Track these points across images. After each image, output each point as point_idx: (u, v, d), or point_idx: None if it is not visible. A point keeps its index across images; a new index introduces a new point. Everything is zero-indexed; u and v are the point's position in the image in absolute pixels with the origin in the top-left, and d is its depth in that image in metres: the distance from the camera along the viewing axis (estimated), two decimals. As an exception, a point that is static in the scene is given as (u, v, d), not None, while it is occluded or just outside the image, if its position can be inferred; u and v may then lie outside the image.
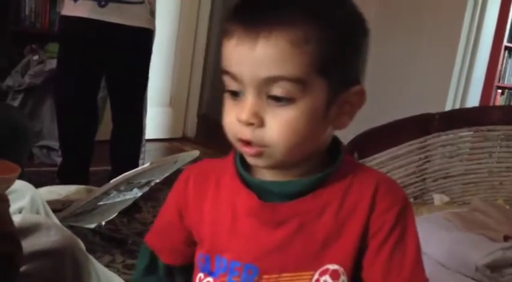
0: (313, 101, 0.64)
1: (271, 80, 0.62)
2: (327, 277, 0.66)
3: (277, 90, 0.63)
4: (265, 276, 0.68)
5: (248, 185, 0.70)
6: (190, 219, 0.75)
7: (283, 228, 0.68)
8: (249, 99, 0.64)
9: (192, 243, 0.76)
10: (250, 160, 0.68)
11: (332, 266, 0.67)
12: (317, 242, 0.67)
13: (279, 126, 0.63)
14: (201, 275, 0.73)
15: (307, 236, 0.67)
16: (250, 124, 0.64)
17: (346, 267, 0.67)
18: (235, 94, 0.66)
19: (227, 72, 0.65)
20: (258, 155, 0.65)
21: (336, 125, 0.68)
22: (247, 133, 0.64)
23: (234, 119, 0.66)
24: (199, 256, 0.73)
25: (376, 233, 0.67)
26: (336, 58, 0.64)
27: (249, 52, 0.62)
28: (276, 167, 0.68)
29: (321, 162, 0.69)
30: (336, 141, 0.71)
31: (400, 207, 0.68)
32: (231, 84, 0.66)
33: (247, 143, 0.65)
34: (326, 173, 0.68)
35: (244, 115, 0.64)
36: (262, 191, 0.69)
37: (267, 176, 0.70)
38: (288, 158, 0.66)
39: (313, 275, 0.67)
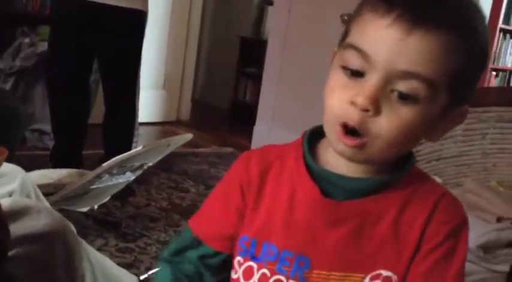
0: (433, 108, 0.62)
1: (407, 75, 0.59)
2: None
3: (407, 86, 0.59)
4: (316, 272, 0.66)
5: (312, 173, 0.68)
6: (251, 198, 0.71)
7: (341, 226, 0.66)
8: (373, 84, 0.60)
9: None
10: (343, 149, 0.63)
11: (385, 272, 0.65)
12: (373, 245, 0.65)
13: (393, 121, 0.60)
14: (240, 258, 0.70)
15: (363, 238, 0.66)
16: (365, 110, 0.60)
17: (400, 276, 0.65)
18: (354, 74, 0.61)
19: (357, 49, 0.61)
20: (358, 146, 0.62)
21: (430, 137, 0.67)
22: (356, 118, 0.60)
23: (345, 100, 0.61)
24: (242, 238, 0.70)
25: (427, 242, 0.66)
26: (466, 74, 0.63)
27: (399, 39, 0.58)
28: (362, 162, 0.65)
29: (391, 165, 0.68)
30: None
31: (456, 224, 0.66)
32: (354, 62, 0.61)
33: (349, 130, 0.61)
34: (394, 176, 0.67)
35: (364, 99, 0.59)
36: (326, 182, 0.67)
37: (334, 167, 0.67)
38: (382, 156, 0.64)
39: (363, 278, 0.65)
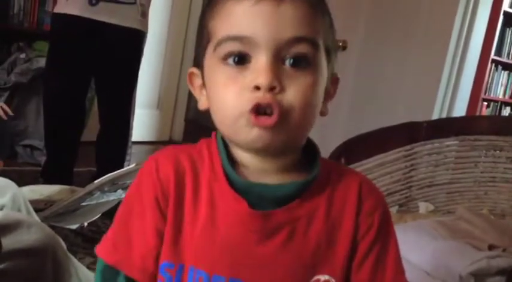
0: (323, 71, 0.63)
1: (291, 41, 0.59)
2: None
3: (295, 51, 0.60)
4: None
5: (235, 187, 0.63)
6: (170, 213, 0.64)
7: (273, 238, 0.62)
8: (266, 61, 0.59)
9: None
10: (259, 135, 0.59)
11: (323, 277, 0.63)
12: (308, 251, 0.63)
13: (299, 90, 0.59)
14: None
15: (298, 246, 0.63)
16: (272, 88, 0.58)
17: (338, 277, 0.64)
18: (240, 61, 0.60)
19: (234, 38, 0.60)
20: (275, 125, 0.59)
21: (322, 112, 0.67)
22: (266, 99, 0.58)
23: (243, 89, 0.59)
24: (164, 265, 0.63)
25: (364, 236, 0.65)
26: (330, 36, 0.65)
27: (273, 11, 0.59)
28: (276, 147, 0.61)
29: (298, 159, 0.66)
30: (309, 141, 0.68)
31: (384, 208, 0.67)
32: (237, 50, 0.60)
33: (262, 112, 0.58)
34: (314, 174, 0.64)
35: (266, 78, 0.58)
36: (251, 196, 0.62)
37: (253, 171, 0.64)
38: (297, 135, 0.62)
39: None
